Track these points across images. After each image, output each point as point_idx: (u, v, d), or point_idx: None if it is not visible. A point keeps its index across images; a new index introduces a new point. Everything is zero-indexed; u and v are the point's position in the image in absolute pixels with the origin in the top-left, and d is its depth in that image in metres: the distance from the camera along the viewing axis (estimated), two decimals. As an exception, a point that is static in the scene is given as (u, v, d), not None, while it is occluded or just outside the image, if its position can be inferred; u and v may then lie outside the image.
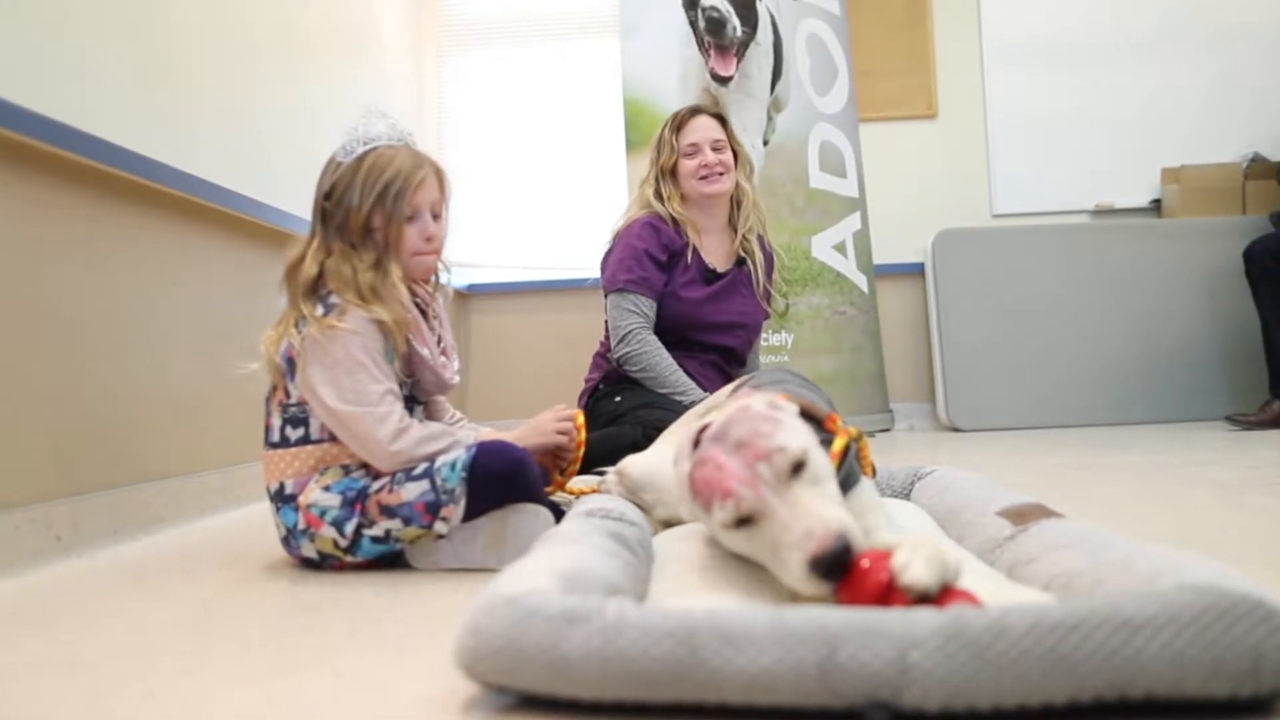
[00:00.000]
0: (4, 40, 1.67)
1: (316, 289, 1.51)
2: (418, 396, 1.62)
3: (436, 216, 1.58)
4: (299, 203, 2.63)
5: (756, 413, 1.02)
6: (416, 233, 1.55)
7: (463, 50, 4.54)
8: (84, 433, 1.80)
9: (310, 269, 1.50)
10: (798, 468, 0.94)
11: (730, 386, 1.64)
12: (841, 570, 0.86)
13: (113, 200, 1.93)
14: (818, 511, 0.90)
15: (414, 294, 1.57)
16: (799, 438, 0.97)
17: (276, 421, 1.52)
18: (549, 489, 1.63)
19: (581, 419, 1.68)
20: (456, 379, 1.64)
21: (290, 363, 1.49)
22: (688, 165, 2.40)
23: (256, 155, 2.59)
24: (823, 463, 0.97)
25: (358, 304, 1.47)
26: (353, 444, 1.47)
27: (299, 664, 0.98)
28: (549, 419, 1.66)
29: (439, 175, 1.59)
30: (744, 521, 0.95)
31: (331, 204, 1.53)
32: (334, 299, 1.49)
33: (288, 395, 1.51)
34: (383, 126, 1.55)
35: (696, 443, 1.04)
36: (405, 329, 1.51)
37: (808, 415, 1.21)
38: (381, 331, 1.48)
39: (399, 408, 1.48)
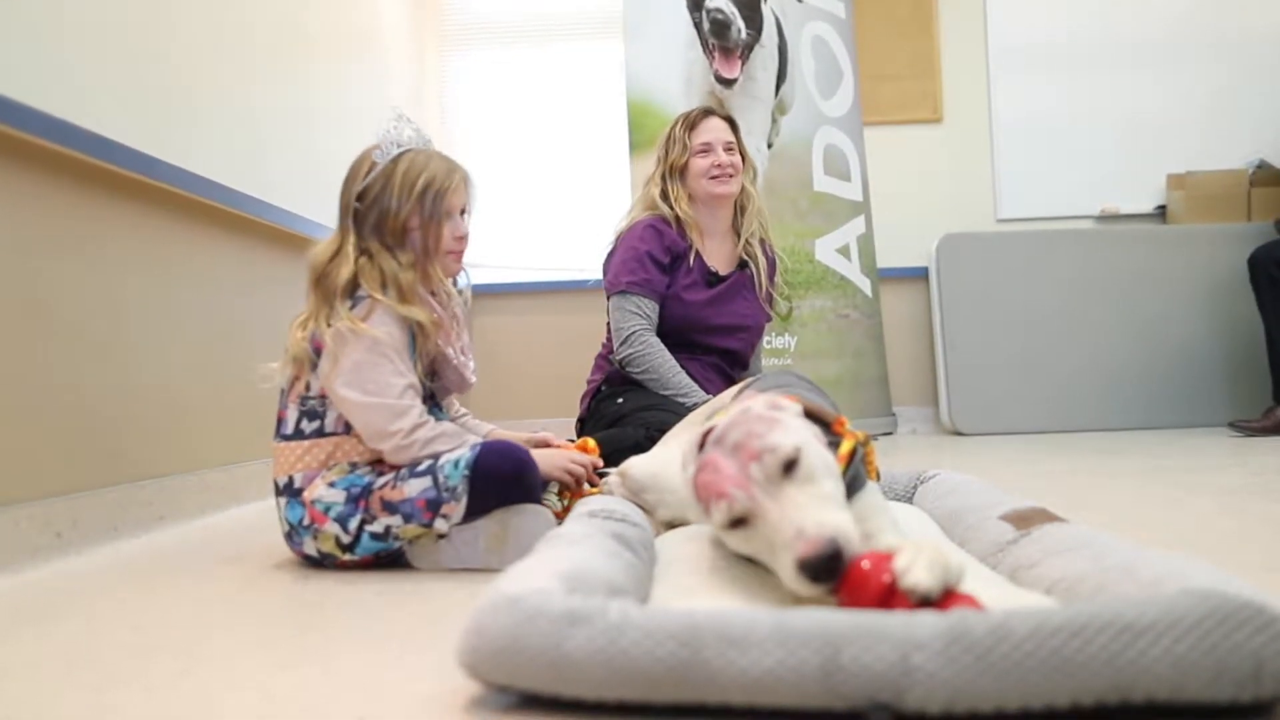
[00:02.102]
0: (4, 36, 1.67)
1: (351, 290, 1.53)
2: (437, 395, 1.63)
3: (463, 213, 1.63)
4: (299, 201, 2.65)
5: (755, 414, 1.02)
6: (449, 233, 1.59)
7: (464, 50, 4.54)
8: (84, 430, 1.80)
9: (345, 271, 1.52)
10: (790, 466, 0.94)
11: (734, 389, 1.64)
12: (831, 574, 0.86)
13: (113, 197, 1.93)
14: (810, 512, 0.90)
15: (435, 294, 1.59)
16: (793, 436, 0.97)
17: (293, 414, 1.53)
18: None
19: (595, 450, 1.68)
20: (474, 378, 1.66)
21: (317, 354, 1.50)
22: (700, 164, 2.40)
23: (257, 154, 2.59)
24: (818, 461, 0.97)
25: (391, 302, 1.50)
26: (368, 435, 1.48)
27: (299, 662, 0.98)
28: (565, 457, 1.62)
29: (466, 180, 1.63)
30: (739, 522, 0.96)
31: (365, 205, 1.56)
32: (362, 294, 1.51)
33: (308, 388, 1.52)
34: (410, 131, 1.60)
35: (701, 446, 1.05)
36: (438, 330, 1.54)
37: (815, 418, 1.21)
38: (409, 329, 1.51)
39: (419, 403, 1.50)
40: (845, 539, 0.88)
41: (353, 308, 1.50)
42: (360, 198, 1.56)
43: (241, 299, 2.40)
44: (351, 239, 1.55)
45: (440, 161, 1.59)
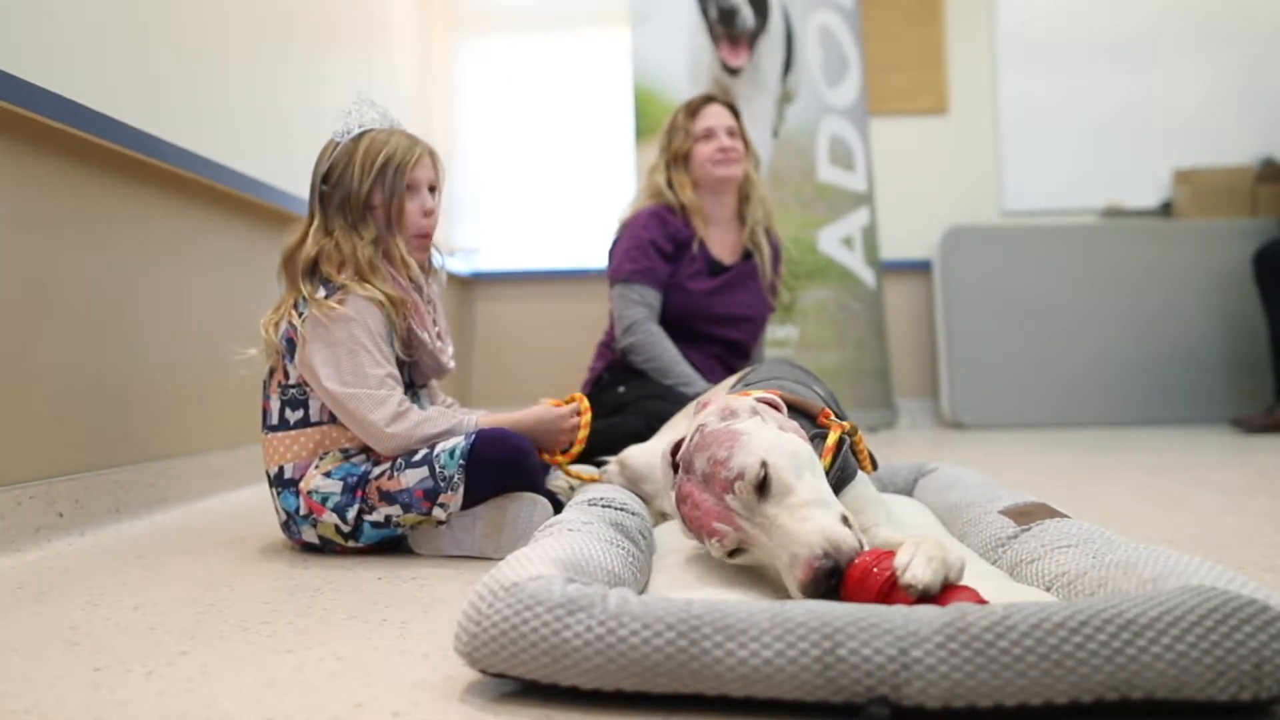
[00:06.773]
0: (22, 18, 1.66)
1: (315, 271, 1.53)
2: (415, 380, 1.62)
3: (432, 190, 1.61)
4: (306, 186, 2.64)
5: (711, 434, 1.03)
6: (415, 208, 1.57)
7: (472, 36, 4.53)
8: (88, 411, 1.80)
9: (309, 250, 1.53)
10: (762, 486, 0.95)
11: (730, 380, 1.64)
12: (834, 588, 0.88)
13: (121, 180, 1.93)
14: (797, 533, 0.91)
15: (406, 273, 1.58)
16: (755, 451, 0.98)
17: (275, 404, 1.52)
18: (549, 460, 1.61)
19: (586, 406, 1.66)
20: (452, 364, 1.64)
21: (290, 344, 1.49)
22: (703, 149, 2.39)
23: (266, 139, 2.58)
24: (787, 465, 0.97)
25: (357, 284, 1.48)
26: (351, 425, 1.48)
27: (299, 645, 0.98)
28: (556, 416, 1.60)
29: (433, 156, 1.62)
30: (736, 551, 0.99)
31: (330, 185, 1.55)
32: (335, 282, 1.50)
33: (287, 376, 1.52)
34: (374, 113, 1.59)
35: (674, 467, 1.07)
36: (404, 307, 1.52)
37: (800, 411, 1.21)
38: (383, 312, 1.49)
39: (398, 392, 1.49)
40: (836, 545, 0.89)
41: (327, 296, 1.48)
42: (326, 179, 1.56)
43: (246, 282, 2.39)
44: (317, 220, 1.55)
45: (403, 138, 1.58)
